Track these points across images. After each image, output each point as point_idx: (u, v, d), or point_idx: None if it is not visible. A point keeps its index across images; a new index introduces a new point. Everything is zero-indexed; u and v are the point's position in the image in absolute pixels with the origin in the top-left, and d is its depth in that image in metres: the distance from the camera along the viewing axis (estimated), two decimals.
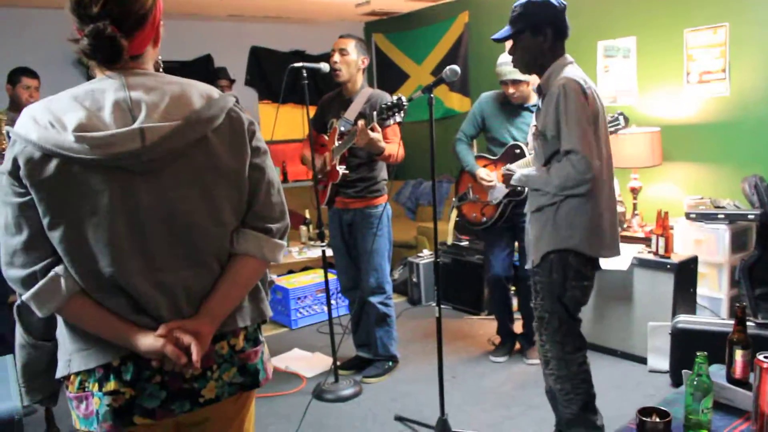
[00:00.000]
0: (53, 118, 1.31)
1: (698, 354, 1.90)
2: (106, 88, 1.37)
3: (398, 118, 3.23)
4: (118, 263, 1.35)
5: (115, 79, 1.39)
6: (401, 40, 6.89)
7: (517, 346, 4.17)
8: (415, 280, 5.32)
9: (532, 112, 3.78)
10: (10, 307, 1.85)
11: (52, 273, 1.35)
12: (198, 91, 1.44)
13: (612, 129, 3.31)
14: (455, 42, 6.23)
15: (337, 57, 3.60)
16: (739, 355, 2.15)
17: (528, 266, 2.72)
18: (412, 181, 6.83)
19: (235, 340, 1.54)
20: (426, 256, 5.37)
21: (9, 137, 1.35)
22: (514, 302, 4.23)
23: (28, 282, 1.35)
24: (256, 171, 1.51)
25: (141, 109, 1.35)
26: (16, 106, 4.25)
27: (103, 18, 1.34)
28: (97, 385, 1.41)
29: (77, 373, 1.43)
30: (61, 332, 1.46)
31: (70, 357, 1.43)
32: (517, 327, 4.22)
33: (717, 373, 2.23)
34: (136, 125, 1.31)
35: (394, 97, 3.23)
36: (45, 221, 1.32)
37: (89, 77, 1.46)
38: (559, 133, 2.43)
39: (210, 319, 1.45)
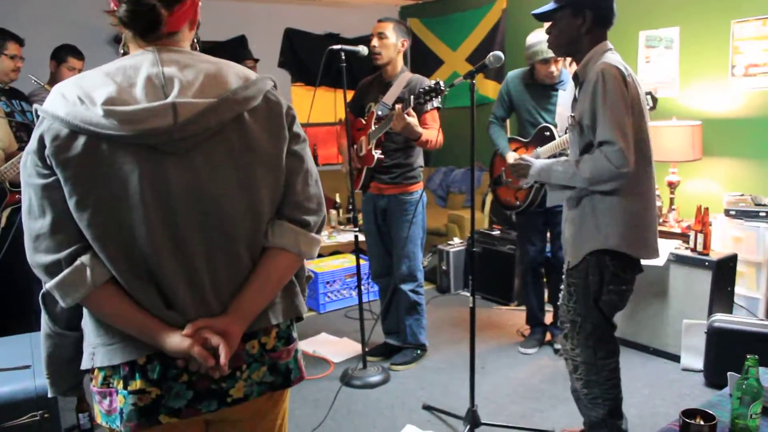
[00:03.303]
0: (83, 93, 1.25)
1: (748, 357, 1.85)
2: (139, 64, 1.32)
3: (436, 103, 3.18)
4: (150, 246, 1.29)
5: (149, 54, 1.34)
6: (436, 25, 6.81)
7: (548, 337, 4.12)
8: (444, 268, 5.28)
9: (557, 90, 3.71)
10: None
11: (77, 262, 1.29)
12: (234, 71, 1.38)
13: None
14: (492, 29, 6.14)
15: (375, 41, 3.54)
16: None
17: (564, 267, 2.63)
18: (444, 168, 6.78)
19: (267, 339, 1.47)
20: (456, 244, 5.32)
21: (38, 115, 1.31)
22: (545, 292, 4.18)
23: (52, 269, 1.29)
24: (295, 158, 1.45)
25: (174, 86, 1.29)
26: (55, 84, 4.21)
27: None
28: (122, 382, 1.36)
29: (101, 368, 1.38)
30: (86, 323, 1.41)
31: (94, 350, 1.37)
32: (547, 318, 4.17)
33: (762, 376, 2.17)
34: (168, 100, 1.26)
35: (432, 82, 3.17)
36: (71, 202, 1.26)
37: (124, 55, 1.42)
38: (594, 123, 2.30)
39: (240, 318, 1.39)
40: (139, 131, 1.24)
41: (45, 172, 1.27)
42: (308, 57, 6.44)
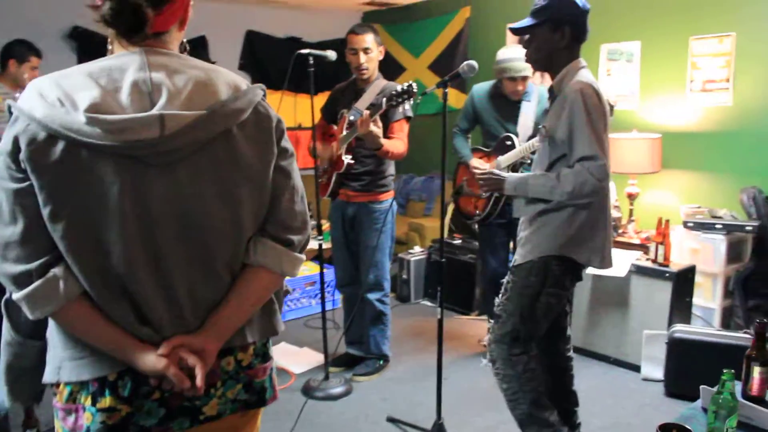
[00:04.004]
0: (63, 94, 1.17)
1: (724, 371, 1.85)
2: (125, 66, 1.23)
3: (408, 106, 3.14)
4: (126, 262, 1.22)
5: (135, 56, 1.25)
6: (399, 32, 6.79)
7: None
8: (405, 276, 5.25)
9: (521, 102, 3.73)
10: None
11: (50, 273, 1.20)
12: (224, 79, 1.31)
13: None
14: (455, 37, 6.15)
15: (362, 57, 3.47)
16: (756, 371, 2.10)
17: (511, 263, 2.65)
18: (404, 175, 6.75)
19: (243, 355, 1.42)
20: (417, 252, 5.29)
21: (10, 112, 1.20)
22: None
23: (21, 280, 1.20)
24: (281, 174, 1.38)
25: (161, 94, 1.21)
26: (11, 83, 3.99)
27: None
28: (90, 399, 1.28)
29: (67, 383, 1.30)
30: (53, 334, 1.32)
31: (61, 364, 1.29)
32: None
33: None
34: (155, 111, 1.18)
35: (405, 84, 3.14)
36: (45, 211, 1.18)
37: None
38: (571, 138, 2.35)
39: (216, 335, 1.33)
40: (123, 141, 1.16)
41: (19, 176, 1.18)
42: (269, 60, 6.33)
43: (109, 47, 1.35)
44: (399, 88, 3.15)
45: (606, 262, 2.51)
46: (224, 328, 1.34)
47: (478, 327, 4.61)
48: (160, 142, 1.18)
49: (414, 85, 3.11)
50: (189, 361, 1.27)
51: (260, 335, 1.44)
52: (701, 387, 2.14)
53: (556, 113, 2.42)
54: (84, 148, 1.16)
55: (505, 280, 2.60)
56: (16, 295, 1.22)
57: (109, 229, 1.20)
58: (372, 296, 3.66)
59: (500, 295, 2.59)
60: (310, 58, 3.34)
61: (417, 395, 3.54)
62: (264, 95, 1.37)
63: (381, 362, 3.84)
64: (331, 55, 3.41)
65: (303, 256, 1.45)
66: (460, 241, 5.10)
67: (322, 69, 3.46)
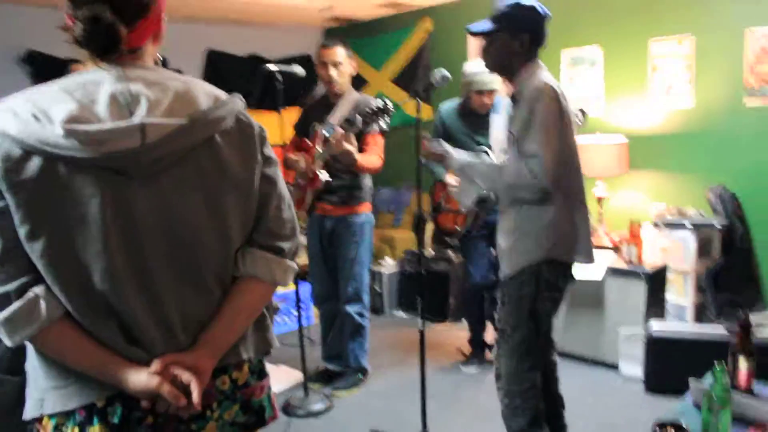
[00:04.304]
0: (37, 110, 1.12)
1: (716, 366, 1.85)
2: (100, 80, 1.19)
3: (383, 123, 3.12)
4: (111, 280, 1.16)
5: (111, 70, 1.21)
6: (361, 46, 6.77)
7: (488, 355, 4.10)
8: (377, 289, 5.20)
9: (488, 115, 3.74)
10: None
11: (29, 294, 1.14)
12: (204, 89, 1.28)
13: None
14: (417, 49, 6.16)
15: (333, 71, 3.45)
16: (743, 364, 2.12)
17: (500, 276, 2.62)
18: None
19: (238, 374, 1.36)
20: (389, 264, 5.26)
21: None
22: None
23: None
24: (267, 183, 1.35)
25: (140, 104, 1.17)
26: None
27: (100, 1, 1.17)
28: (77, 429, 1.21)
29: (52, 415, 1.22)
30: (33, 365, 1.25)
31: (44, 396, 1.22)
32: (488, 336, 4.15)
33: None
34: (135, 120, 1.14)
35: (380, 102, 3.13)
36: (23, 231, 1.12)
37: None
38: (522, 135, 2.34)
39: (211, 352, 1.28)
40: (102, 153, 1.11)
41: None
42: (232, 79, 6.24)
43: (80, 68, 1.31)
44: (374, 106, 3.13)
45: (590, 257, 2.51)
46: (218, 345, 1.29)
47: (454, 335, 4.58)
48: (141, 152, 1.14)
49: (389, 103, 3.11)
50: (183, 378, 1.21)
51: (255, 352, 1.39)
52: (690, 382, 2.15)
53: (518, 115, 2.41)
54: (61, 163, 1.12)
55: (499, 294, 2.57)
56: None
57: (91, 246, 1.15)
58: (351, 309, 3.62)
59: (498, 310, 2.55)
60: (278, 75, 3.30)
61: (399, 407, 3.50)
62: (245, 105, 1.34)
63: (360, 375, 3.79)
64: (299, 70, 3.38)
65: (294, 264, 1.41)
66: (433, 252, 5.09)
67: (289, 84, 3.42)
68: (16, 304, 1.14)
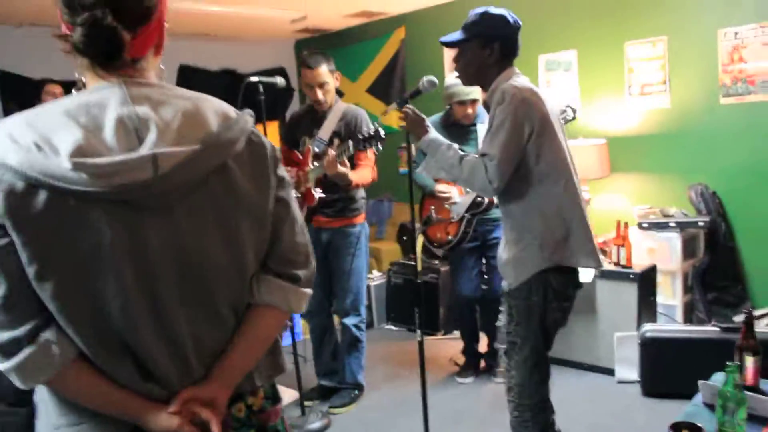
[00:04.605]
0: (39, 137, 1.03)
1: (728, 365, 1.85)
2: (105, 101, 1.11)
3: (374, 149, 3.14)
4: (126, 317, 1.10)
5: (115, 88, 1.13)
6: (334, 57, 6.73)
7: (482, 365, 4.08)
8: (366, 302, 5.13)
9: (475, 125, 3.75)
10: None
11: (41, 339, 1.07)
12: (213, 107, 1.20)
13: (561, 121, 3.29)
14: (391, 59, 6.16)
15: (319, 93, 3.42)
16: (749, 361, 2.12)
17: (504, 288, 2.58)
18: None
19: (253, 400, 1.32)
20: (376, 276, 5.21)
21: None
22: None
23: (8, 349, 1.07)
24: (281, 206, 1.29)
25: (150, 129, 1.10)
26: None
27: (100, 5, 1.10)
28: None
29: None
30: (44, 399, 1.18)
31: None
32: (481, 346, 4.12)
33: (719, 380, 2.20)
34: (146, 150, 1.07)
35: (372, 129, 3.12)
36: (31, 270, 1.05)
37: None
38: (487, 132, 2.34)
39: (226, 382, 1.23)
40: (113, 187, 1.04)
41: None
42: (206, 93, 6.17)
43: (80, 78, 1.22)
44: (366, 132, 3.12)
45: (596, 260, 2.47)
46: (233, 375, 1.25)
47: (447, 347, 4.55)
48: (153, 183, 1.07)
49: (381, 130, 3.10)
50: (203, 415, 1.17)
51: (267, 377, 1.34)
52: (700, 382, 2.14)
53: (490, 121, 2.39)
54: (70, 196, 1.04)
55: (504, 306, 2.53)
56: (4, 366, 1.08)
57: (105, 283, 1.08)
58: (349, 321, 3.59)
59: (506, 323, 2.50)
60: (260, 86, 3.25)
61: (398, 422, 3.45)
62: (255, 122, 1.28)
63: (356, 392, 3.73)
64: (281, 81, 3.37)
65: (310, 291, 1.36)
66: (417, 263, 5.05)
67: (270, 96, 3.38)
68: (27, 351, 1.07)
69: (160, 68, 1.29)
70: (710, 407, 2.07)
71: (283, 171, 1.32)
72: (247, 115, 1.25)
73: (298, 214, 1.35)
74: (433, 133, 2.56)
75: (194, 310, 1.18)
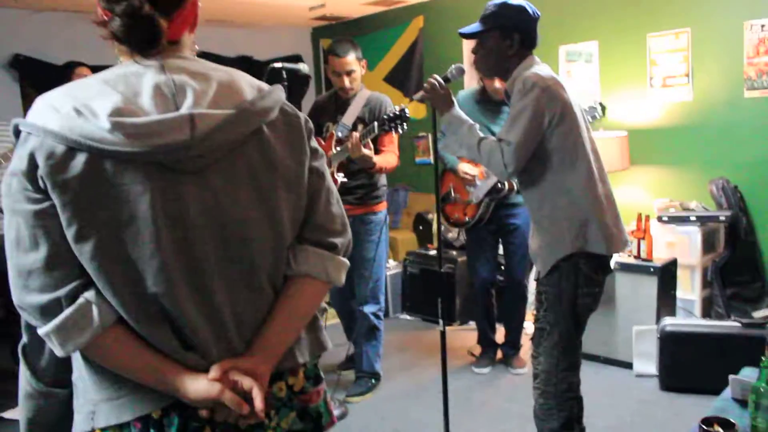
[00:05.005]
0: (79, 103, 1.07)
1: (763, 360, 1.83)
2: (141, 72, 1.14)
3: (399, 129, 3.13)
4: (165, 282, 1.10)
5: (151, 60, 1.16)
6: None
7: (499, 354, 4.07)
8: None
9: (507, 105, 3.72)
10: None
11: (81, 299, 1.08)
12: (247, 80, 1.23)
13: (589, 119, 3.29)
14: (409, 47, 6.13)
15: (346, 80, 3.44)
16: None
17: (533, 276, 2.60)
18: None
19: (294, 379, 1.30)
20: (392, 266, 5.20)
21: (17, 133, 1.09)
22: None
23: (49, 310, 1.08)
24: (316, 176, 1.29)
25: (186, 95, 1.12)
26: None
27: None
28: None
29: (105, 429, 1.15)
30: (82, 376, 1.18)
31: (95, 408, 1.15)
32: (498, 336, 4.11)
33: (748, 375, 2.18)
34: (184, 111, 1.09)
35: (397, 108, 3.14)
36: (70, 232, 1.06)
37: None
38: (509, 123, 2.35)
39: (267, 356, 1.21)
40: (150, 147, 1.06)
41: (37, 196, 1.07)
42: None
43: (119, 61, 1.23)
44: (390, 112, 3.15)
45: (620, 244, 2.47)
46: (274, 348, 1.23)
47: (462, 337, 4.54)
48: (191, 145, 1.08)
49: (406, 109, 3.12)
50: (244, 384, 1.14)
51: (310, 354, 1.32)
52: (730, 377, 2.13)
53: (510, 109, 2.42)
54: (108, 159, 1.06)
55: (535, 292, 2.54)
56: (45, 329, 1.09)
57: (143, 246, 1.09)
58: (368, 309, 3.59)
59: (537, 309, 2.51)
60: (284, 72, 3.24)
61: (415, 412, 3.45)
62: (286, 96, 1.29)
63: (373, 381, 3.73)
64: (304, 68, 3.35)
65: (347, 261, 1.35)
66: (434, 251, 5.04)
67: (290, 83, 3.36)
68: (67, 311, 1.08)
69: (194, 44, 1.30)
70: (740, 402, 2.06)
71: (315, 143, 1.32)
72: (280, 89, 1.27)
73: (333, 185, 1.36)
74: (457, 110, 2.55)
75: (232, 278, 1.18)
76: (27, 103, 5.21)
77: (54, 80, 5.39)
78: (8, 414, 3.27)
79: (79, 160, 1.05)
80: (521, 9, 2.40)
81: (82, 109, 1.06)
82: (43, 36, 5.19)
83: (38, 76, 5.11)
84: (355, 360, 3.75)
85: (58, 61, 5.11)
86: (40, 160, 1.05)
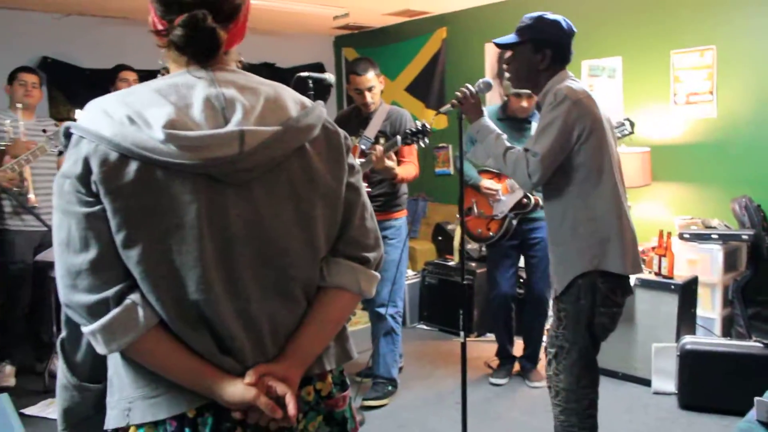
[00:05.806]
0: (132, 112, 1.10)
1: None
2: (192, 83, 1.17)
3: (421, 143, 3.28)
4: (206, 290, 1.14)
5: (201, 72, 1.19)
6: (373, 55, 6.71)
7: (516, 367, 4.06)
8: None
9: (530, 123, 3.74)
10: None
11: (127, 300, 1.12)
12: (291, 96, 1.26)
13: (618, 135, 3.29)
14: (432, 58, 6.15)
15: (368, 96, 3.59)
16: None
17: (551, 295, 2.59)
18: None
19: (322, 385, 1.33)
20: (410, 276, 5.21)
21: (69, 135, 1.13)
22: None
23: (97, 310, 1.11)
24: (352, 192, 1.33)
25: (235, 110, 1.15)
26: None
27: (198, 5, 1.15)
28: None
29: (140, 425, 1.18)
30: (119, 373, 1.21)
31: (131, 405, 1.18)
32: (516, 350, 4.11)
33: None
34: (234, 127, 1.12)
35: (419, 123, 3.28)
36: (119, 237, 1.10)
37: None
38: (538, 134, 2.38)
39: (298, 363, 1.25)
40: (201, 160, 1.09)
41: (89, 199, 1.10)
42: None
43: (164, 67, 1.28)
44: (414, 127, 3.29)
45: (637, 267, 2.49)
46: (305, 356, 1.27)
47: (479, 349, 4.53)
48: (239, 159, 1.12)
49: (427, 125, 3.25)
50: (278, 390, 1.18)
51: (336, 362, 1.36)
52: (756, 399, 2.11)
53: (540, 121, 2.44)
54: (159, 168, 1.09)
55: (554, 310, 2.54)
56: (91, 327, 1.12)
57: (187, 254, 1.13)
58: (386, 311, 3.63)
59: (554, 327, 2.52)
60: (310, 82, 3.30)
61: (432, 422, 3.45)
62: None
63: (390, 387, 3.74)
64: (330, 78, 3.44)
65: (378, 274, 1.38)
66: (453, 262, 5.05)
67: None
68: (114, 311, 1.11)
69: (239, 57, 1.34)
70: (765, 425, 2.05)
71: (353, 159, 1.36)
72: (322, 106, 1.30)
73: (368, 201, 1.39)
74: (486, 119, 2.61)
75: (268, 288, 1.21)
76: (54, 105, 5.29)
77: (80, 83, 5.47)
78: (30, 410, 3.31)
79: (132, 168, 1.09)
80: (556, 24, 2.42)
81: (135, 117, 1.09)
82: (70, 39, 5.27)
83: (65, 79, 5.19)
84: (372, 362, 3.77)
85: (84, 64, 5.20)
86: (95, 166, 1.08)
